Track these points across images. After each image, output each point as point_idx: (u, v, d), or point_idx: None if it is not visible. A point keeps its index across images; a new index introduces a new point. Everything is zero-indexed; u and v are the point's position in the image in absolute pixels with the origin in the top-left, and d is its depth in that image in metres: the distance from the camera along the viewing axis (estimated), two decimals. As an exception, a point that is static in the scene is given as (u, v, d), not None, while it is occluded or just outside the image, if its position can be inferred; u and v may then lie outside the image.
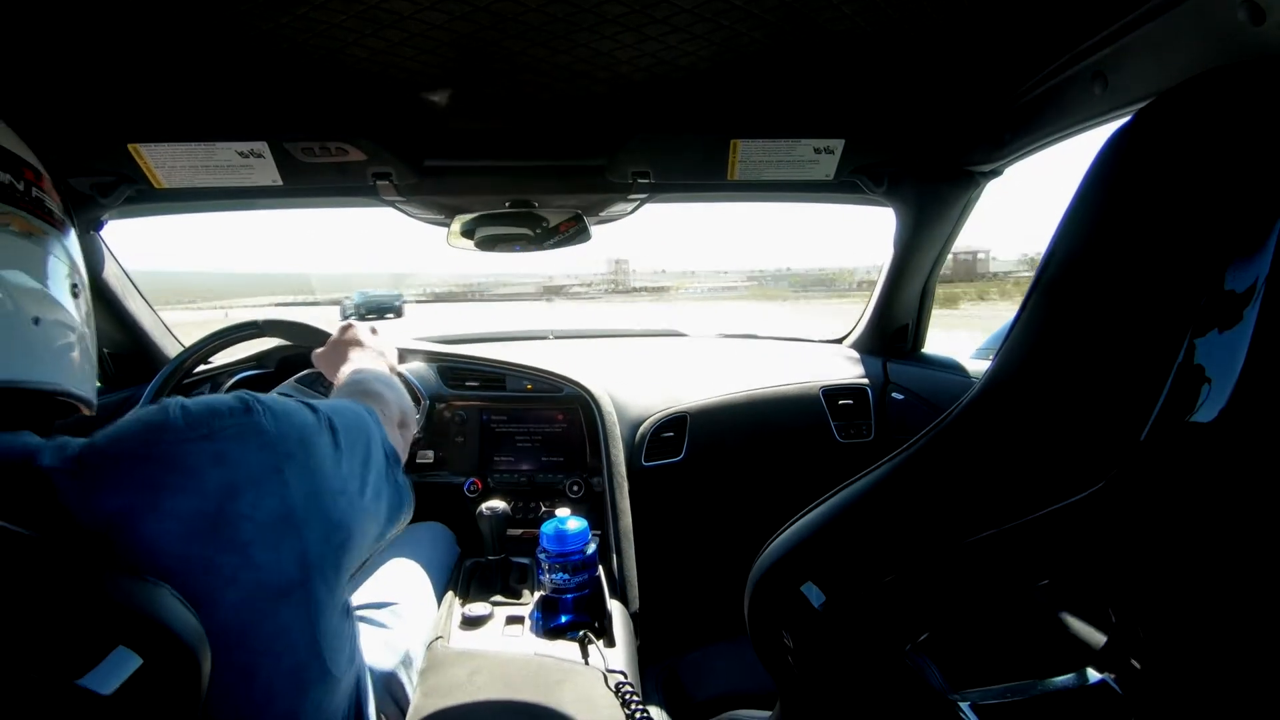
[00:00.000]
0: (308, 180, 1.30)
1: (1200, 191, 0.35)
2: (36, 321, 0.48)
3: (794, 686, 0.56)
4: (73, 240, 0.57)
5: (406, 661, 1.00)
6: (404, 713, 0.93)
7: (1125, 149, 0.39)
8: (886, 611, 0.48)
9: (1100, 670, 0.43)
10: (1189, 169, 0.36)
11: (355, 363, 0.92)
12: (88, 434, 0.47)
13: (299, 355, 1.56)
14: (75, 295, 0.55)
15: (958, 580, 0.45)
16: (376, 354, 0.98)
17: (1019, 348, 0.43)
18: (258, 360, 1.57)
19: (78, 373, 0.54)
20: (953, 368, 1.66)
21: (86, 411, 0.57)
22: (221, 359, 1.55)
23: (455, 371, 1.64)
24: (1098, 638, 0.43)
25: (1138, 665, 0.41)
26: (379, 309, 29.13)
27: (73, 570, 0.37)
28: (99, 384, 0.61)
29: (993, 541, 0.42)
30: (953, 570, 0.45)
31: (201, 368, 1.52)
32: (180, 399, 0.49)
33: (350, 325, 1.03)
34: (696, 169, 1.34)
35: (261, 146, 1.18)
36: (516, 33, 0.85)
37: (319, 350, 1.02)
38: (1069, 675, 0.44)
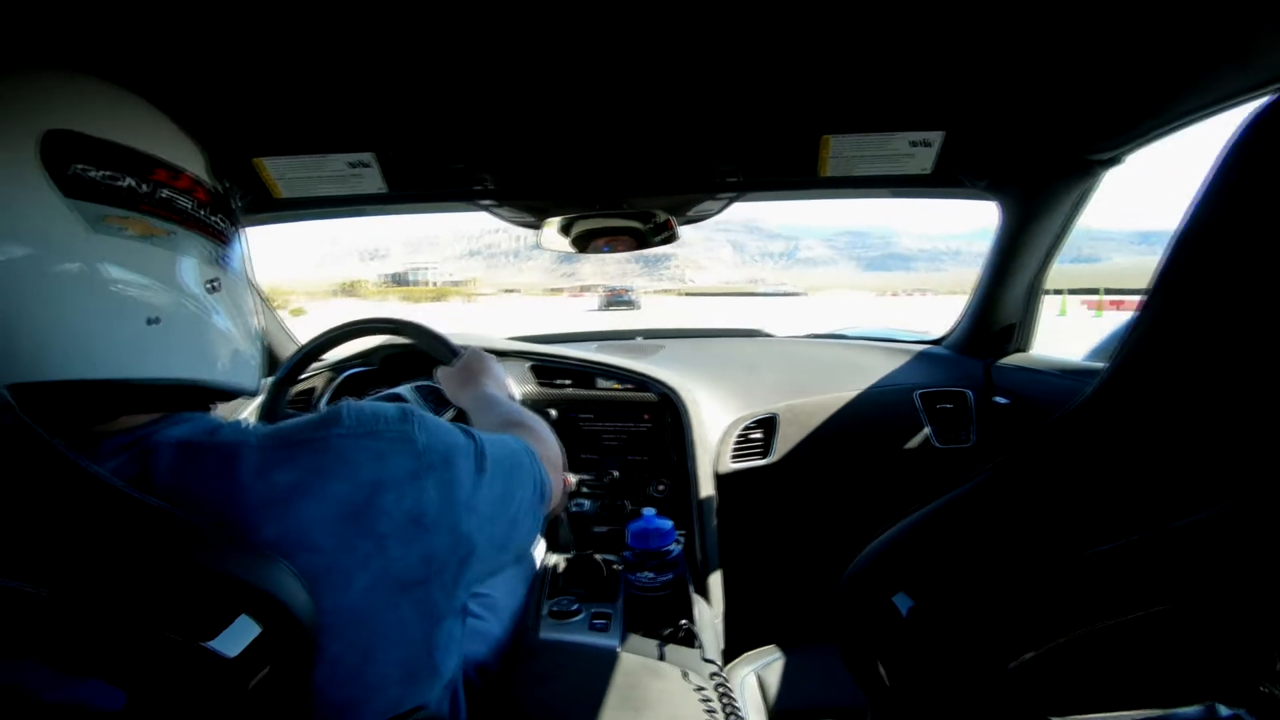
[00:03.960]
0: (410, 187, 1.37)
1: None
2: (154, 321, 0.50)
3: (885, 701, 0.54)
4: (215, 234, 0.58)
5: (496, 651, 1.04)
6: (493, 700, 0.97)
7: (1268, 129, 0.35)
8: (987, 627, 0.46)
9: (1231, 704, 0.39)
10: None
11: (483, 393, 0.95)
12: None
13: (401, 355, 1.65)
14: (213, 290, 0.56)
15: (1068, 597, 0.42)
16: (503, 388, 1.02)
17: (1142, 346, 0.40)
18: (363, 358, 1.67)
19: (214, 363, 0.56)
20: (1064, 370, 1.54)
21: (244, 397, 0.61)
22: (332, 356, 1.66)
23: (546, 370, 1.68)
24: (1228, 667, 0.39)
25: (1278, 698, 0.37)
26: (620, 301, 44.26)
27: (201, 544, 0.41)
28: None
29: (1109, 557, 0.39)
30: (1063, 586, 0.42)
31: (314, 365, 1.63)
32: (356, 402, 0.56)
33: (483, 354, 1.06)
34: (786, 166, 1.32)
35: (369, 157, 1.26)
36: (603, 38, 0.86)
37: (447, 368, 1.06)
38: (1196, 707, 0.41)
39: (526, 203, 1.50)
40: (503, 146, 1.27)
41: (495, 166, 1.33)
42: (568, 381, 1.67)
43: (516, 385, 1.62)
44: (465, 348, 1.10)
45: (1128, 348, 0.40)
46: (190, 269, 0.54)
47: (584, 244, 1.53)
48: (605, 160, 1.33)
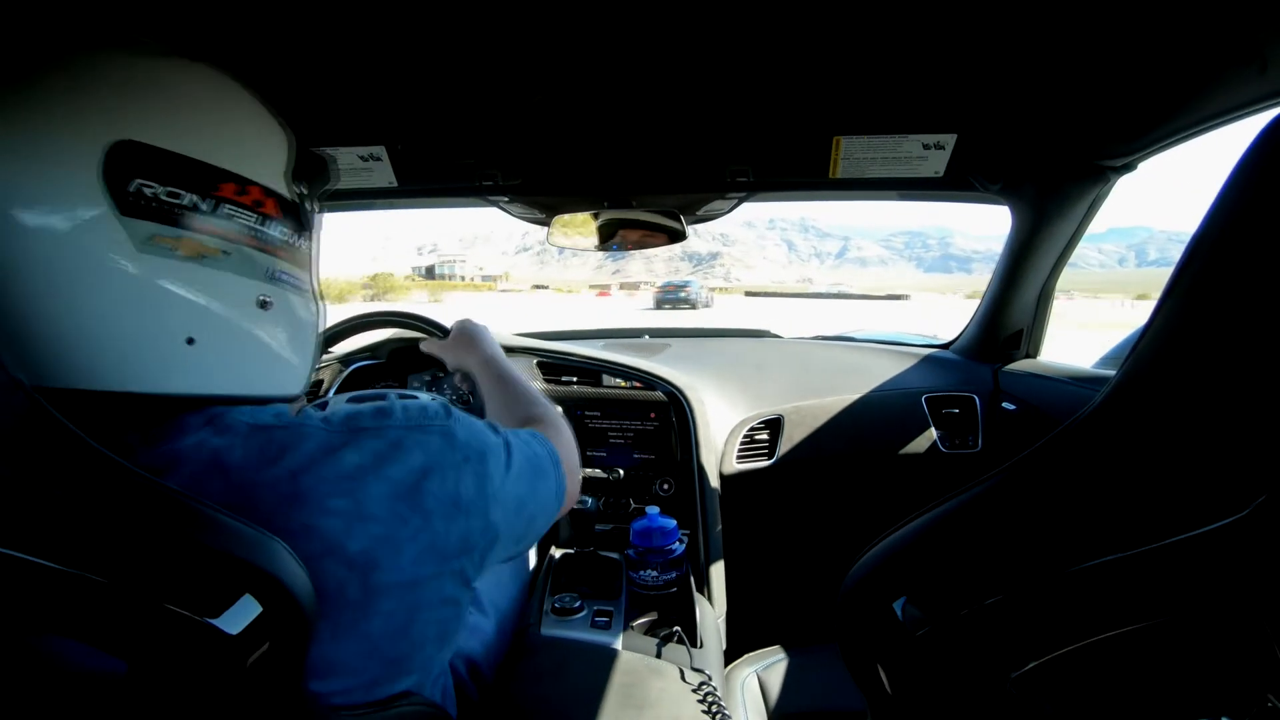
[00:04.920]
0: (420, 181, 1.37)
1: None
2: (191, 341, 0.50)
3: (886, 706, 0.54)
4: (277, 249, 0.56)
5: (487, 647, 1.03)
6: (494, 695, 0.97)
7: None
8: (989, 636, 0.46)
9: (1238, 719, 0.39)
10: None
11: (488, 357, 0.99)
12: None
13: (408, 349, 1.65)
14: (264, 307, 0.55)
15: (1074, 607, 0.42)
16: (499, 349, 1.04)
17: (1155, 351, 0.39)
18: (371, 351, 1.68)
19: (253, 378, 0.55)
20: (1074, 377, 1.53)
21: (287, 401, 0.60)
22: (341, 349, 1.67)
23: (553, 366, 1.68)
24: (1236, 680, 0.39)
25: None
26: (675, 299, 35.89)
27: (206, 524, 0.42)
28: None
29: (1116, 567, 0.39)
30: (1069, 596, 0.42)
31: (323, 358, 1.63)
32: (402, 400, 0.60)
33: (472, 322, 1.09)
34: (797, 167, 1.32)
35: (380, 150, 1.26)
36: (614, 35, 0.86)
37: (442, 341, 1.09)
38: None
39: (536, 199, 1.50)
40: (513, 142, 1.27)
41: (505, 162, 1.33)
42: (574, 379, 1.67)
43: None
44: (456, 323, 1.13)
45: (1139, 354, 0.40)
46: (241, 288, 0.53)
47: (594, 241, 1.54)
48: (615, 157, 1.33)
